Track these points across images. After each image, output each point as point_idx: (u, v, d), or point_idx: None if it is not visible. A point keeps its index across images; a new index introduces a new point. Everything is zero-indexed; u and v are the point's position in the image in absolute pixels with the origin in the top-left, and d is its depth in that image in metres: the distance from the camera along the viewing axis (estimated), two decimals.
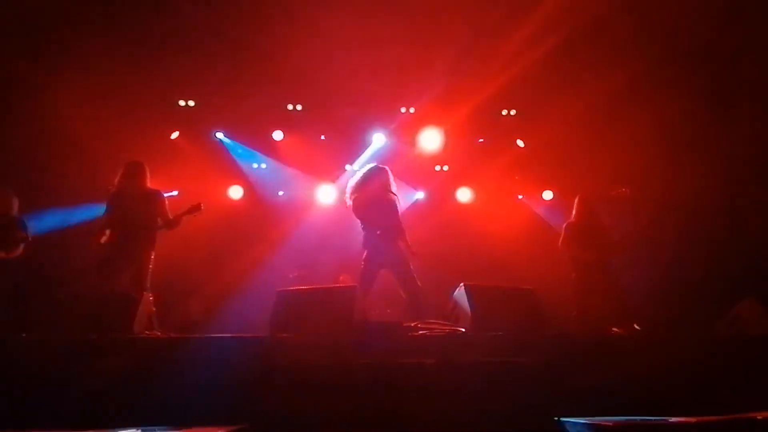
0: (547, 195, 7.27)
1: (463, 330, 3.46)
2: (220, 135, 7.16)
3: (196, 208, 4.50)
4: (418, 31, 6.04)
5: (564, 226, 5.27)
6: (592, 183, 6.41)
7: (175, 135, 6.93)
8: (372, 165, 4.66)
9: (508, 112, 7.33)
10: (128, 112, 6.21)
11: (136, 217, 4.42)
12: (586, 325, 4.67)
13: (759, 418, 2.16)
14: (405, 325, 3.59)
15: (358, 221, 4.53)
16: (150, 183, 4.64)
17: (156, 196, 4.58)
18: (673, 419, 2.27)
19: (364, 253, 4.40)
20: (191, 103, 6.92)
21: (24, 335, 3.45)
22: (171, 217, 4.51)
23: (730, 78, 5.90)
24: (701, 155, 6.06)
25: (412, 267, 4.37)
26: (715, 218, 6.00)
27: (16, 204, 4.70)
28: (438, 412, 2.70)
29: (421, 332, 3.40)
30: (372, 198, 4.40)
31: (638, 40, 5.89)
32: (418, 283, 4.32)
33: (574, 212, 5.29)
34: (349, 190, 4.51)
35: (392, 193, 4.47)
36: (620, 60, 5.98)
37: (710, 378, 2.86)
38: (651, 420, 2.32)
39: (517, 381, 2.80)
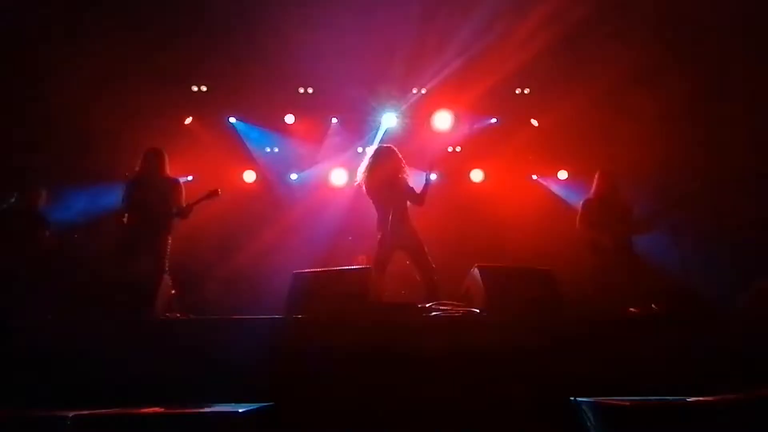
0: (562, 175, 7.16)
1: (478, 311, 3.46)
2: (232, 119, 7.17)
3: (213, 194, 4.54)
4: (430, 10, 5.91)
5: (582, 203, 5.04)
6: (609, 162, 6.28)
7: (188, 120, 6.97)
8: (379, 146, 4.64)
9: (522, 91, 7.18)
10: (142, 98, 6.25)
11: (154, 203, 4.48)
12: (603, 306, 4.62)
13: None
14: (419, 306, 3.60)
15: (371, 203, 4.54)
16: (169, 170, 4.69)
17: (174, 183, 4.63)
18: (692, 399, 2.26)
19: (379, 236, 4.41)
20: (204, 88, 6.93)
21: (49, 317, 3.55)
22: (185, 205, 4.55)
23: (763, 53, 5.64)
24: (728, 132, 5.88)
25: (426, 248, 4.37)
26: (741, 196, 5.84)
27: (43, 200, 4.87)
28: (452, 393, 2.72)
29: (435, 313, 3.41)
30: (383, 179, 4.40)
31: (664, 16, 5.66)
32: (433, 264, 4.33)
33: (593, 188, 5.01)
34: (360, 173, 4.51)
35: (403, 173, 4.44)
36: (643, 36, 5.78)
37: (729, 356, 2.83)
38: (669, 400, 2.31)
39: (532, 362, 2.80)
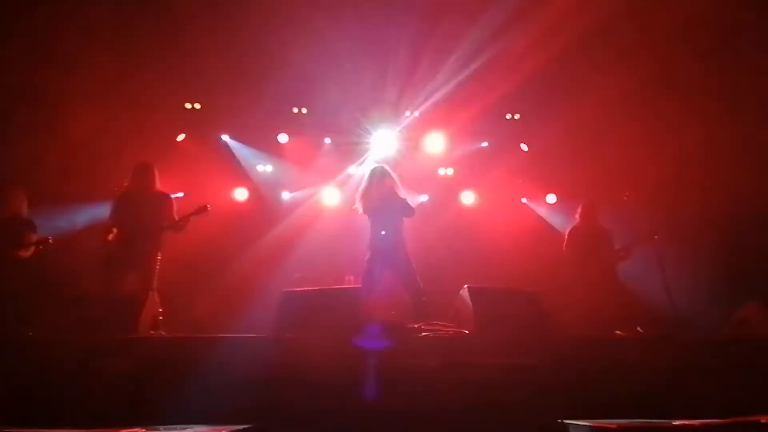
0: (551, 198, 7.27)
1: (467, 332, 3.46)
2: (225, 137, 7.21)
3: (202, 209, 4.53)
4: (422, 34, 6.07)
5: (567, 231, 5.34)
6: (596, 187, 6.41)
7: (181, 137, 6.99)
8: (373, 167, 4.71)
9: (512, 116, 7.34)
10: (136, 115, 6.27)
11: (143, 218, 4.46)
12: (590, 328, 4.66)
13: (763, 421, 2.16)
14: (409, 326, 3.60)
15: (363, 223, 4.57)
16: (159, 184, 4.67)
17: (164, 198, 4.61)
18: (677, 422, 2.27)
19: (367, 255, 4.43)
20: (197, 106, 6.98)
21: (30, 334, 3.48)
22: (177, 219, 4.53)
23: (742, 80, 5.85)
24: (712, 160, 6.05)
25: (415, 269, 4.39)
26: (724, 222, 5.98)
27: (25, 204, 4.75)
28: (441, 413, 2.70)
29: (424, 334, 3.40)
30: (378, 199, 4.44)
31: (646, 43, 5.88)
32: (421, 285, 4.34)
33: (578, 217, 5.37)
34: (358, 195, 4.56)
35: (397, 191, 4.50)
36: (627, 62, 5.97)
37: (715, 380, 2.86)
38: (655, 422, 2.32)
39: (520, 383, 2.80)
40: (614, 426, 2.18)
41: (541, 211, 7.29)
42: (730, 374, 2.91)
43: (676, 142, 6.19)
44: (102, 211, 4.81)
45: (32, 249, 4.59)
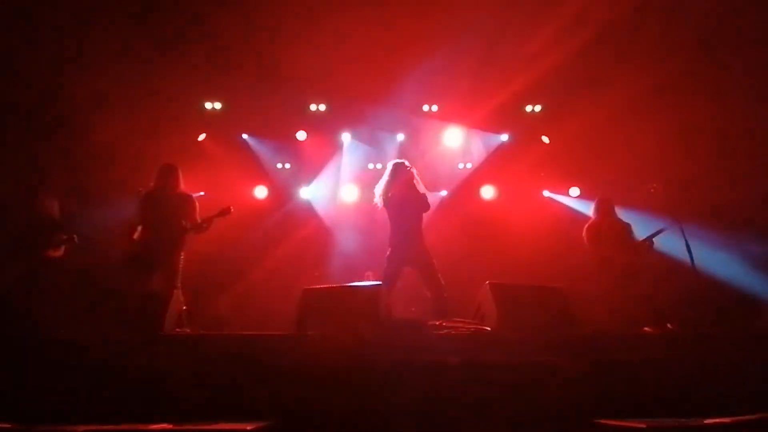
0: (574, 192, 7.12)
1: (489, 329, 3.42)
2: (245, 136, 7.28)
3: (226, 211, 4.59)
4: (441, 28, 6.00)
5: (585, 227, 5.22)
6: (620, 179, 6.25)
7: (202, 137, 7.09)
8: (394, 162, 4.69)
9: (533, 108, 7.21)
10: (158, 116, 6.38)
11: (167, 218, 4.54)
12: (616, 325, 4.56)
13: None
14: (430, 323, 3.57)
15: (383, 219, 4.56)
16: (183, 186, 4.75)
17: (187, 199, 4.69)
18: (709, 420, 2.19)
19: (388, 251, 4.43)
20: (218, 105, 7.07)
21: (61, 332, 3.57)
22: (199, 221, 4.60)
23: None
24: (741, 152, 5.84)
25: (436, 265, 4.36)
26: (756, 216, 5.76)
27: (57, 206, 4.89)
28: (462, 411, 2.67)
29: (445, 331, 3.37)
30: (399, 194, 4.43)
31: (673, 35, 5.69)
32: (442, 281, 4.31)
33: (594, 214, 5.25)
34: (377, 191, 4.56)
35: (419, 189, 4.49)
36: (652, 54, 5.80)
37: (748, 377, 2.75)
38: (685, 422, 2.25)
39: (544, 382, 2.74)
40: (644, 425, 2.12)
41: (564, 204, 7.13)
42: (763, 370, 2.80)
43: (703, 135, 5.99)
44: (127, 210, 4.91)
45: (63, 249, 4.73)
